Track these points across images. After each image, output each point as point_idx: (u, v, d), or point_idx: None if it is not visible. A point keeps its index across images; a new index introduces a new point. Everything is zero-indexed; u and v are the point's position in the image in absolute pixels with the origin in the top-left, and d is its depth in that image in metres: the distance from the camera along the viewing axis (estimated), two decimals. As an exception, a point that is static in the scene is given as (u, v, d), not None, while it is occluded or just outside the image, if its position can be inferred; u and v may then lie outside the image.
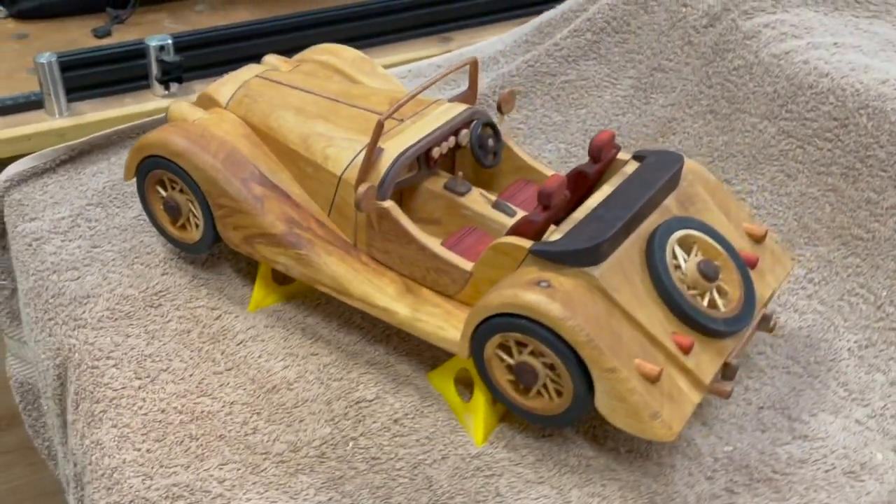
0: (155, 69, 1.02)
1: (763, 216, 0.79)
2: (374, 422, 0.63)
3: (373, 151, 0.62)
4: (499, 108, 0.71)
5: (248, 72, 0.75)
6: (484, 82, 0.95)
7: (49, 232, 0.79)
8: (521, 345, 0.57)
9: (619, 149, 0.65)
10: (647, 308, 0.56)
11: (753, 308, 0.60)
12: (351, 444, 0.61)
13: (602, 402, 0.55)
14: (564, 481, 0.59)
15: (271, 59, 0.79)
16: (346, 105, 0.69)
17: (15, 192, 0.84)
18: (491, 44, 1.03)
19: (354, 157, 0.65)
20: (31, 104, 0.99)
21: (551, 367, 0.56)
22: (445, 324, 0.61)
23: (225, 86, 0.74)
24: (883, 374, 0.66)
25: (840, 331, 0.69)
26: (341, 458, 0.61)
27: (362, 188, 0.61)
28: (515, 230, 0.59)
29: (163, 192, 0.71)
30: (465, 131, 0.68)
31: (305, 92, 0.71)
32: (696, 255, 0.60)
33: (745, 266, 0.61)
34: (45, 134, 0.99)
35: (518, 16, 1.21)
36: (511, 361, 0.58)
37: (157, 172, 0.70)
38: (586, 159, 0.64)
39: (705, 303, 0.58)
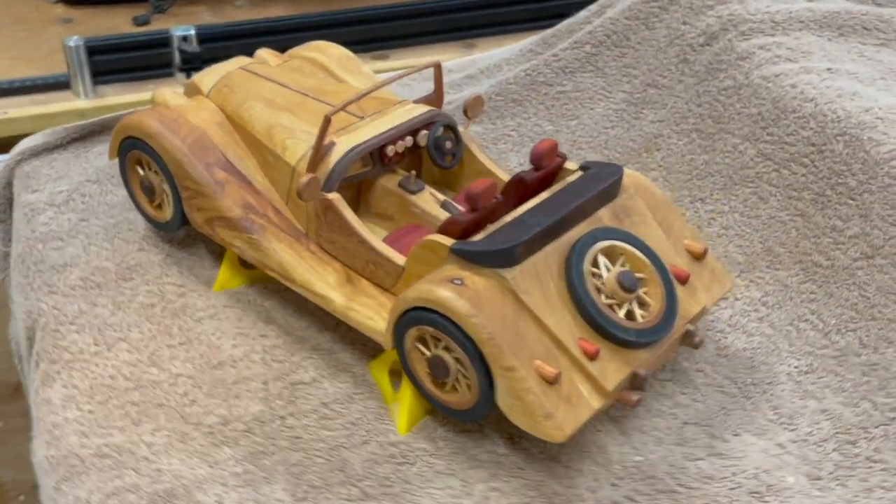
0: (177, 58, 1.07)
1: (730, 237, 0.79)
2: (305, 404, 0.67)
3: (320, 145, 0.66)
4: (465, 113, 0.74)
5: (233, 63, 0.80)
6: (482, 88, 0.98)
7: (45, 203, 0.85)
8: (436, 339, 0.59)
9: (564, 158, 0.67)
10: (557, 313, 0.58)
11: (672, 322, 0.61)
12: (278, 422, 0.65)
13: (502, 400, 0.57)
14: (472, 475, 0.61)
15: (262, 53, 0.83)
16: (315, 100, 0.73)
17: (25, 165, 0.91)
18: (501, 52, 1.05)
19: (309, 149, 0.68)
20: (59, 85, 1.06)
21: (461, 363, 0.59)
22: (376, 315, 0.64)
23: (209, 75, 0.78)
24: (817, 400, 0.66)
25: (783, 355, 0.70)
26: (266, 434, 0.64)
27: (304, 179, 0.64)
28: (442, 229, 0.62)
29: (141, 172, 0.76)
30: (424, 132, 0.71)
31: (280, 85, 0.75)
32: (620, 265, 0.62)
33: (672, 281, 0.63)
34: (68, 114, 1.05)
35: (542, 27, 1.23)
36: (428, 354, 0.60)
37: (134, 153, 0.75)
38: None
39: (622, 313, 0.60)
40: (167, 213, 0.75)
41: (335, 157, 0.67)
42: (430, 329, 0.59)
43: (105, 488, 0.60)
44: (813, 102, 0.81)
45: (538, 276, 0.59)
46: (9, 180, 0.90)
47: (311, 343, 0.71)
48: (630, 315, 0.61)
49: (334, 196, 0.66)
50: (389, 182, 0.71)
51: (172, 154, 0.71)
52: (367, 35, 1.18)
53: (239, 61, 0.80)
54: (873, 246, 0.73)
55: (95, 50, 1.07)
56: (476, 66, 1.04)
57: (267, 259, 0.69)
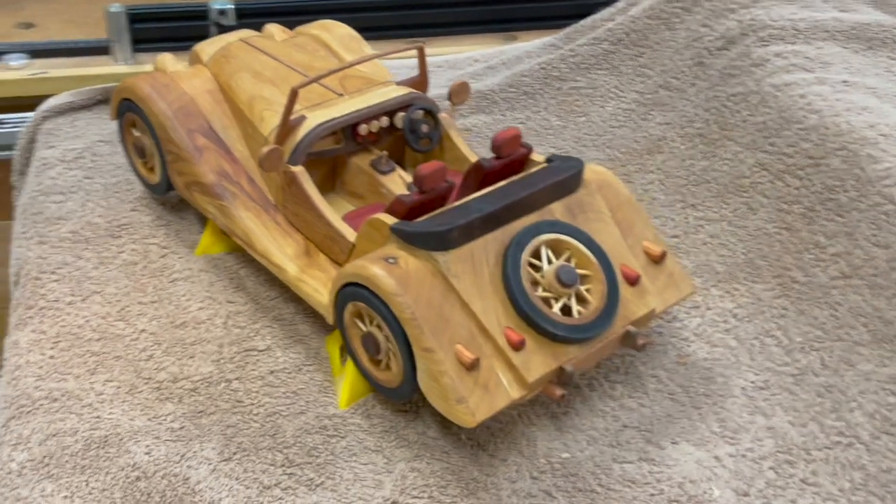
0: (213, 31, 1.11)
1: (714, 245, 0.78)
2: (254, 370, 0.69)
3: (287, 117, 0.68)
4: (449, 98, 0.75)
5: (237, 35, 0.82)
6: (496, 79, 0.98)
7: (58, 160, 0.89)
8: (371, 316, 0.61)
9: (529, 149, 0.68)
10: (487, 300, 0.59)
11: (607, 322, 0.61)
12: (223, 384, 0.67)
13: (422, 381, 0.58)
14: (397, 454, 0.63)
15: (270, 28, 0.86)
16: (301, 75, 0.75)
17: (49, 123, 0.96)
18: (526, 45, 1.06)
19: (285, 122, 0.70)
20: (99, 49, 1.11)
21: (389, 341, 0.60)
22: (323, 289, 0.66)
23: (211, 45, 0.81)
24: (765, 417, 0.65)
25: (742, 369, 0.69)
26: (210, 395, 0.67)
27: (265, 149, 0.67)
28: (389, 208, 0.63)
29: (136, 134, 0.79)
30: (402, 114, 0.73)
31: (272, 58, 0.78)
32: (563, 260, 0.62)
33: (617, 280, 0.62)
34: (106, 77, 1.10)
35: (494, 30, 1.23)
36: (363, 330, 0.62)
37: (130, 115, 0.78)
38: None
39: (557, 307, 0.60)
40: (157, 175, 0.79)
41: (303, 131, 0.69)
42: (363, 305, 0.60)
43: (47, 429, 0.63)
44: (819, 115, 0.79)
45: (473, 262, 0.60)
46: (33, 136, 0.95)
47: (274, 313, 0.74)
48: (566, 310, 0.61)
49: (298, 169, 0.68)
50: (362, 161, 0.73)
51: (158, 117, 0.74)
52: (405, 21, 1.19)
53: (241, 33, 0.83)
54: (853, 266, 0.71)
55: (136, 17, 1.12)
56: (500, 57, 1.05)
57: (234, 226, 0.71)
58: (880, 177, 0.73)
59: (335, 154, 0.72)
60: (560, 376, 0.60)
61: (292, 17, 1.16)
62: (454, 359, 0.57)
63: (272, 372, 0.69)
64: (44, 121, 0.96)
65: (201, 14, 1.13)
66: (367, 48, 0.86)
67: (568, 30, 1.01)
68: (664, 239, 0.76)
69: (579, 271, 0.62)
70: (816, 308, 0.71)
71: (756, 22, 0.89)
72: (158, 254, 0.79)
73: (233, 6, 1.12)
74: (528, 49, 1.03)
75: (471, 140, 0.93)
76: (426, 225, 0.60)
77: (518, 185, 0.63)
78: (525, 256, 0.61)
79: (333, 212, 0.68)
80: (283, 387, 0.68)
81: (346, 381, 0.67)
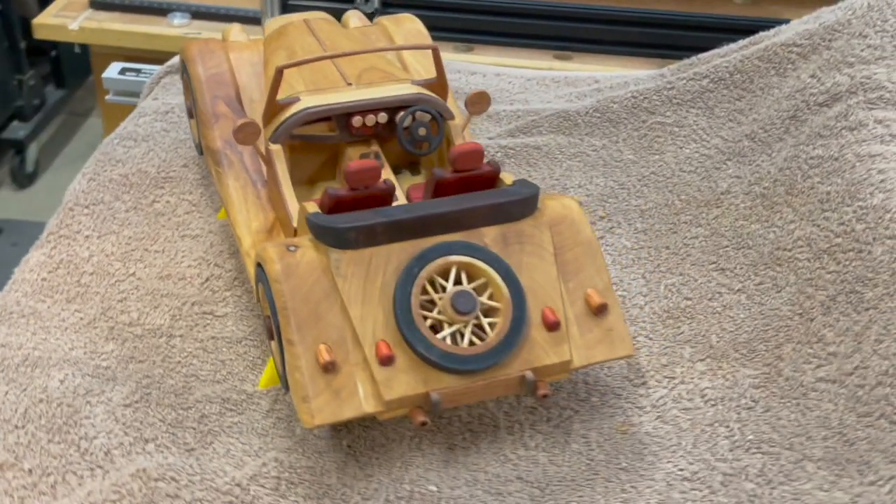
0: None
1: (723, 318, 0.73)
2: (201, 332, 0.73)
3: (273, 97, 0.71)
4: (466, 106, 0.75)
5: (306, 15, 0.87)
6: (590, 102, 0.96)
7: (151, 111, 0.99)
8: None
9: (496, 168, 0.66)
10: (368, 308, 0.59)
11: (495, 359, 0.59)
12: (165, 338, 0.72)
13: (287, 372, 0.59)
14: (276, 442, 0.64)
15: (348, 15, 0.90)
16: (329, 61, 0.78)
17: (168, 78, 1.06)
18: (643, 72, 1.02)
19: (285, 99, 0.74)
20: (252, 19, 1.21)
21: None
22: (261, 267, 0.69)
23: (277, 21, 0.86)
24: (670, 510, 0.60)
25: (678, 454, 0.63)
26: (150, 345, 0.72)
27: (239, 121, 0.70)
28: (319, 198, 0.65)
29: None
30: (404, 114, 0.74)
31: (317, 41, 0.81)
32: (471, 286, 0.60)
33: (524, 320, 0.60)
34: (252, 45, 1.19)
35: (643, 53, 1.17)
36: (266, 314, 0.64)
37: (185, 76, 0.85)
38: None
39: (446, 332, 0.59)
40: (197, 135, 0.85)
41: (289, 112, 0.72)
42: (262, 288, 0.63)
43: (1, 339, 0.71)
44: (887, 195, 0.71)
45: (369, 268, 0.60)
46: (152, 88, 1.06)
47: (250, 285, 0.77)
48: (456, 337, 0.59)
49: (275, 147, 0.71)
50: (355, 153, 0.74)
51: (194, 80, 0.81)
52: (550, 32, 1.19)
53: (307, 14, 0.87)
54: (843, 371, 0.63)
55: (288, -8, 1.20)
56: (612, 80, 1.02)
57: (222, 192, 0.76)
58: (915, 277, 0.64)
59: (325, 141, 0.74)
60: (426, 403, 0.59)
61: (433, 11, 1.19)
62: (313, 357, 0.58)
63: (213, 338, 0.73)
64: (165, 75, 1.06)
65: (348, -4, 1.19)
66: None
67: (683, 62, 0.96)
68: (684, 302, 0.73)
69: (489, 302, 0.60)
70: (786, 408, 0.63)
71: (869, 81, 0.80)
72: (185, 209, 0.86)
73: (380, -8, 1.17)
74: (640, 75, 0.99)
75: (536, 160, 0.91)
76: (333, 220, 0.61)
77: (451, 201, 0.63)
78: (425, 273, 0.60)
79: (293, 194, 0.70)
80: (215, 353, 0.72)
81: (270, 362, 0.69)
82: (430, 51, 0.78)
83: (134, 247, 0.81)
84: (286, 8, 1.20)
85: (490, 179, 0.66)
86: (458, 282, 0.61)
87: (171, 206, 0.86)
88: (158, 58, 1.21)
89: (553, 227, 0.64)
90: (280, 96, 0.73)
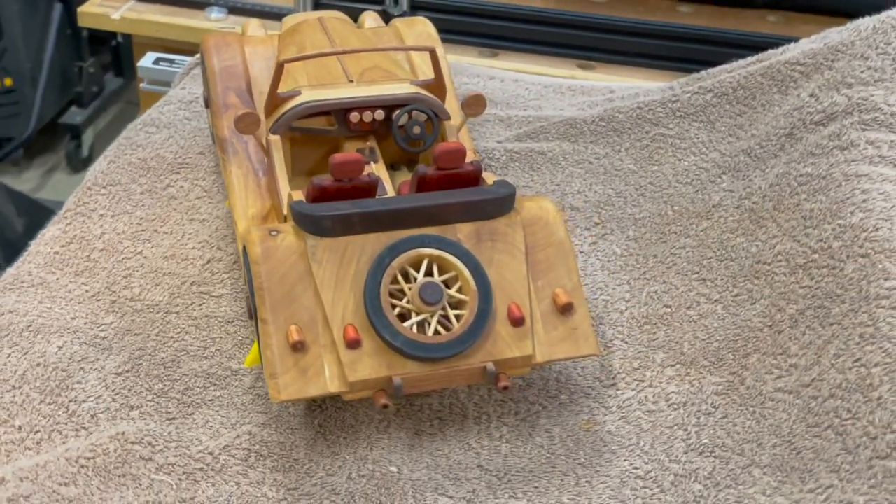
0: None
1: (697, 327, 0.75)
2: (196, 311, 0.77)
3: (274, 90, 0.75)
4: (462, 109, 0.78)
5: (321, 14, 0.91)
6: (598, 111, 0.98)
7: (178, 99, 1.04)
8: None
9: (478, 168, 0.69)
10: (339, 293, 0.63)
11: (456, 349, 0.62)
12: (162, 314, 0.77)
13: (262, 349, 0.63)
14: (253, 417, 0.68)
15: (365, 15, 0.93)
16: (338, 61, 0.82)
17: (198, 69, 1.11)
18: (655, 84, 1.04)
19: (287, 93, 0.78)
20: (282, 15, 1.25)
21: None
22: (253, 251, 0.73)
23: (294, 18, 0.91)
24: (619, 506, 0.62)
25: (635, 454, 0.66)
26: (147, 319, 0.76)
27: (241, 111, 0.74)
28: (306, 188, 0.68)
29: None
30: (399, 112, 0.77)
31: (328, 40, 0.85)
32: (441, 279, 0.63)
33: (489, 313, 0.63)
34: (283, 41, 1.24)
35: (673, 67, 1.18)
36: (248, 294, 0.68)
37: (203, 66, 0.90)
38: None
39: (413, 321, 0.62)
40: (211, 124, 0.90)
41: (289, 105, 0.75)
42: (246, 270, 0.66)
43: (9, 305, 0.76)
44: (866, 214, 0.72)
45: (343, 255, 0.63)
46: (182, 77, 1.11)
47: (250, 269, 0.82)
48: (422, 326, 0.62)
49: (274, 138, 0.75)
50: (352, 147, 0.78)
51: (208, 71, 0.85)
52: (574, 41, 1.21)
53: (328, 13, 0.91)
54: (801, 383, 0.65)
55: (322, -7, 1.24)
56: (625, 91, 1.04)
57: (226, 179, 0.80)
58: (880, 295, 0.65)
59: (324, 135, 0.78)
60: (388, 387, 0.62)
61: (460, 16, 1.22)
62: (284, 336, 0.62)
63: (207, 316, 0.77)
64: (195, 66, 1.11)
65: (379, -1, 1.23)
66: (438, 49, 0.90)
67: (692, 75, 0.98)
68: (663, 309, 0.75)
69: (457, 295, 0.63)
70: (742, 415, 0.65)
71: (866, 102, 0.82)
72: (197, 195, 0.90)
73: (410, -5, 1.21)
74: (650, 87, 1.01)
75: (540, 164, 0.94)
76: (313, 209, 0.64)
77: (428, 196, 0.66)
78: (396, 264, 0.63)
79: (287, 183, 0.74)
80: (207, 330, 0.76)
81: (256, 342, 0.73)
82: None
83: (144, 227, 0.86)
84: (318, 6, 1.24)
85: (472, 178, 0.69)
86: (429, 273, 0.64)
87: (183, 190, 0.90)
88: (194, 50, 1.25)
89: (527, 227, 0.67)
90: (284, 90, 0.77)
